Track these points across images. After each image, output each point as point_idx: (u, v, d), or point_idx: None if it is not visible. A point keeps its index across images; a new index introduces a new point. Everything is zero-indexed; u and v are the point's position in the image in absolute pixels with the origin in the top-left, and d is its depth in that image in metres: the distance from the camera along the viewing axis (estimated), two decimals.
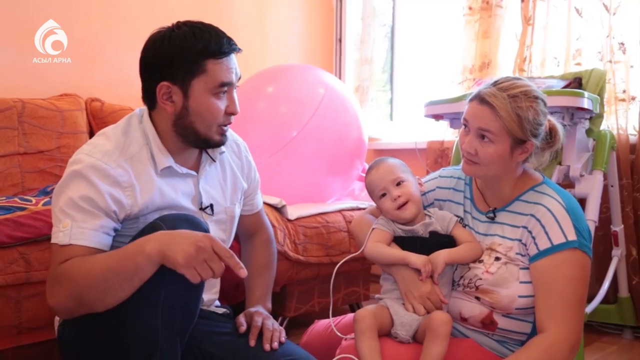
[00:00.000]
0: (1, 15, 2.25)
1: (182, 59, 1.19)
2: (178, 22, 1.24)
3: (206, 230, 1.18)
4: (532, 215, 1.25)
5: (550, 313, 1.18)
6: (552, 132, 1.30)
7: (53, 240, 1.14)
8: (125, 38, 2.57)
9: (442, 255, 1.27)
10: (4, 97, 2.11)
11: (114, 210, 1.18)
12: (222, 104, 1.24)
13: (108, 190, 1.16)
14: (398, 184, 1.34)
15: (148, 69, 1.24)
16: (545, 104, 1.27)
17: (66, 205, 1.14)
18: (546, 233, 1.22)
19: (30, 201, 1.72)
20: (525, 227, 1.26)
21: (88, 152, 1.19)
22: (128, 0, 2.60)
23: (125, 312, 1.09)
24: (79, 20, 2.44)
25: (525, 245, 1.25)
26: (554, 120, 1.31)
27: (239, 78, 1.28)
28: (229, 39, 1.24)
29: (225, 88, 1.23)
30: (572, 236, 1.20)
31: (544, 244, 1.21)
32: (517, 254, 1.26)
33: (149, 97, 1.26)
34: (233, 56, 1.25)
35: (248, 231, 1.56)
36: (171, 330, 1.10)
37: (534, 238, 1.23)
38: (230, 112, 1.26)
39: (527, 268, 1.24)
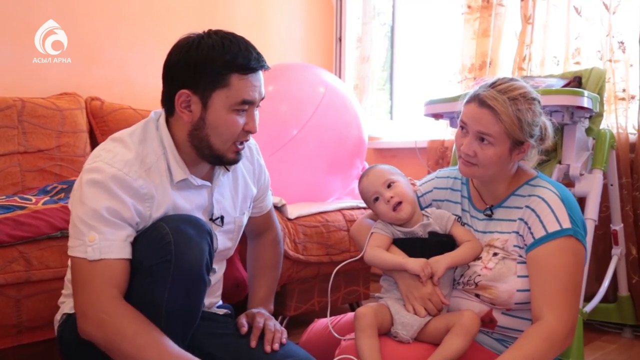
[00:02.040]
0: (1, 15, 2.25)
1: (206, 68, 1.14)
2: (209, 30, 1.20)
3: (209, 232, 1.18)
4: (527, 207, 1.26)
5: (546, 300, 1.18)
6: (542, 131, 1.31)
7: (78, 254, 1.10)
8: (125, 37, 2.57)
9: (444, 260, 1.27)
10: (4, 96, 2.11)
11: (137, 222, 1.16)
12: (240, 120, 1.19)
13: (132, 202, 1.14)
14: (389, 186, 1.34)
15: (170, 74, 1.20)
16: (540, 103, 1.28)
17: (89, 217, 1.10)
18: (541, 222, 1.23)
19: (30, 200, 1.72)
20: (521, 219, 1.27)
21: (108, 161, 1.15)
22: (128, 0, 2.60)
23: None
24: (79, 20, 2.44)
25: (522, 236, 1.26)
26: (544, 119, 1.32)
27: (262, 98, 1.23)
28: (259, 55, 1.18)
29: (246, 106, 1.18)
30: (566, 224, 1.21)
31: (539, 232, 1.22)
32: (514, 246, 1.26)
33: (168, 102, 1.22)
34: (260, 74, 1.20)
35: (255, 231, 1.54)
36: (173, 333, 1.10)
37: (529, 228, 1.24)
38: (247, 130, 1.21)
39: (525, 262, 1.25)
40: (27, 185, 2.03)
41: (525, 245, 1.25)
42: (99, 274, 1.09)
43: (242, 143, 1.23)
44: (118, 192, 1.12)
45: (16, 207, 1.63)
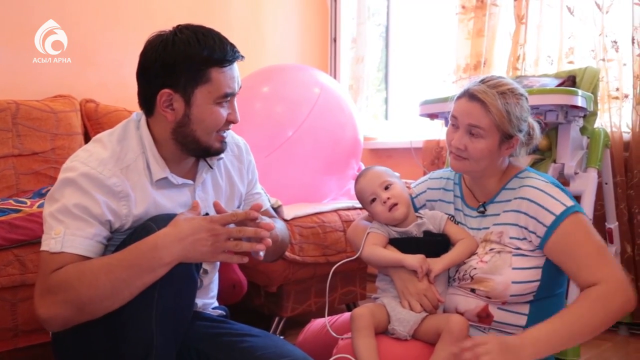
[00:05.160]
0: (1, 15, 2.24)
1: (185, 66, 1.15)
2: (179, 26, 1.19)
3: None
4: (520, 197, 1.28)
5: (590, 270, 1.19)
6: (530, 130, 1.34)
7: (43, 248, 1.10)
8: (121, 39, 2.57)
9: (442, 260, 1.28)
10: (1, 98, 2.11)
11: (109, 220, 1.15)
12: (224, 112, 1.21)
13: (104, 199, 1.13)
14: (386, 188, 1.36)
15: (148, 75, 1.19)
16: (527, 100, 1.32)
17: (59, 212, 1.11)
18: (544, 208, 1.24)
19: (25, 203, 1.72)
20: (518, 211, 1.28)
21: (83, 160, 1.16)
22: (127, 1, 2.60)
23: (119, 314, 1.08)
24: (79, 20, 2.44)
25: (526, 227, 1.26)
26: (531, 119, 1.35)
27: (240, 87, 1.25)
28: (233, 46, 1.20)
29: (229, 98, 1.20)
30: (569, 202, 1.24)
31: (548, 219, 1.23)
32: (510, 238, 1.27)
33: (147, 103, 1.22)
34: (236, 65, 1.22)
35: None
36: (165, 331, 1.10)
37: (534, 217, 1.25)
38: (230, 121, 1.23)
39: (520, 255, 1.25)
40: (21, 188, 2.03)
41: (537, 236, 1.24)
42: (56, 265, 1.07)
43: (225, 132, 1.25)
44: (88, 190, 1.12)
45: (11, 210, 1.63)
